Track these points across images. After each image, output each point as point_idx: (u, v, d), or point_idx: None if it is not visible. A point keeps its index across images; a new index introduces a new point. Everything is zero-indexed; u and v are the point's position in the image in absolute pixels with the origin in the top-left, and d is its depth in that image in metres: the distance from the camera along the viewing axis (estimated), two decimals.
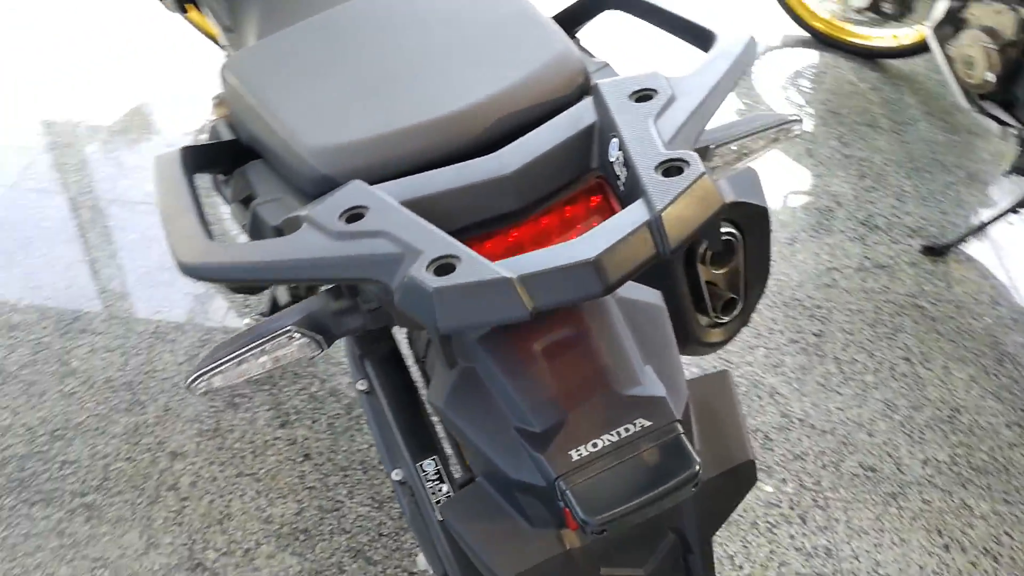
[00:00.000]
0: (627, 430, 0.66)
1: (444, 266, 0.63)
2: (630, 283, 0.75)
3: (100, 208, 2.12)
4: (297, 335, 0.74)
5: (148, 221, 2.09)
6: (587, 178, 0.73)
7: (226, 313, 1.88)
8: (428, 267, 0.63)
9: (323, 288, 0.82)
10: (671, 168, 0.65)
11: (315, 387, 1.75)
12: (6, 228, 2.05)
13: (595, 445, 0.66)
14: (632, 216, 0.63)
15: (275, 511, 1.57)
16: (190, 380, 0.73)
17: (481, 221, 0.72)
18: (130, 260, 1.99)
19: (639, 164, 0.66)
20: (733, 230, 0.88)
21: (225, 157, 0.87)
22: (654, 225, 0.62)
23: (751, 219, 0.89)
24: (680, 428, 0.67)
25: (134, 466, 1.62)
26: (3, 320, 1.85)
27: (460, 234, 0.71)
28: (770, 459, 1.63)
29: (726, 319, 0.93)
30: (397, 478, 0.97)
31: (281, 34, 0.89)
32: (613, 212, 0.71)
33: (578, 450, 0.66)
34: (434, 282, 0.61)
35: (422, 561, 1.11)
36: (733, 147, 0.80)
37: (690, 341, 0.92)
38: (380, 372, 1.00)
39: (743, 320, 0.95)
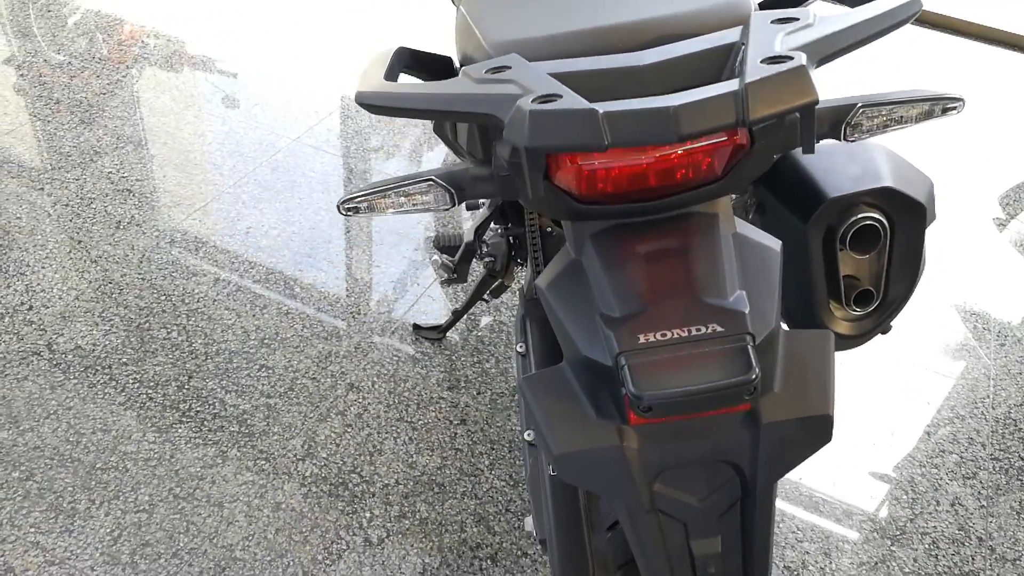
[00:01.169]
0: (698, 330, 0.67)
1: (547, 98, 0.69)
2: (751, 226, 0.75)
3: (358, 171, 2.38)
4: (434, 184, 0.82)
5: None
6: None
7: (432, 283, 2.03)
8: (535, 100, 0.70)
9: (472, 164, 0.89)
10: (776, 59, 0.68)
11: (489, 364, 1.84)
12: (280, 171, 2.37)
13: (664, 335, 0.68)
14: (724, 86, 0.67)
15: (421, 460, 1.66)
16: (341, 200, 0.84)
17: None
18: (371, 222, 2.21)
19: (750, 55, 0.69)
20: (881, 217, 0.84)
21: (435, 66, 0.99)
22: (740, 95, 0.64)
23: (904, 212, 0.85)
24: (751, 340, 0.66)
25: (316, 385, 1.79)
26: (255, 241, 2.13)
27: None
28: (932, 568, 1.47)
29: (859, 311, 0.89)
30: (528, 439, 1.01)
31: None
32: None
33: (647, 335, 0.68)
34: (533, 107, 0.68)
35: (529, 523, 1.14)
36: (883, 110, 0.77)
37: (816, 325, 0.89)
38: (537, 334, 1.06)
39: (878, 322, 0.89)
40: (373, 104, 0.79)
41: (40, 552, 1.48)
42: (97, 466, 1.61)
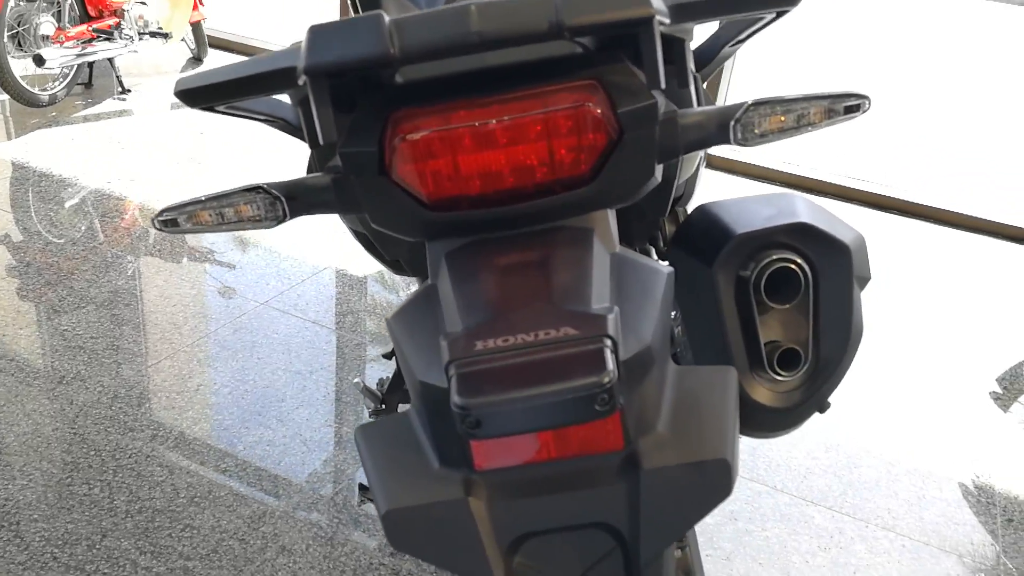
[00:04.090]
0: (547, 334, 0.54)
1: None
2: (638, 254, 0.65)
3: (323, 335, 2.31)
4: (262, 193, 0.72)
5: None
6: (580, 76, 0.66)
7: None
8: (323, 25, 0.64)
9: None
10: None
11: None
12: (242, 332, 2.30)
13: (505, 340, 0.54)
14: None
15: None
16: (157, 214, 0.73)
17: (449, 77, 0.68)
18: (334, 375, 2.11)
19: None
20: (799, 260, 0.74)
21: None
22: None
23: (826, 255, 0.74)
24: (610, 344, 0.53)
25: (243, 547, 1.61)
26: (203, 398, 2.01)
27: (430, 97, 0.68)
28: None
29: (785, 375, 0.76)
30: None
31: None
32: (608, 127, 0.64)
33: (486, 343, 0.55)
34: (314, 27, 0.61)
35: None
36: (778, 108, 0.69)
37: (741, 404, 0.75)
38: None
39: (810, 392, 0.76)
40: (188, 89, 0.71)
41: None
42: None
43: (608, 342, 0.52)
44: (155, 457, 1.82)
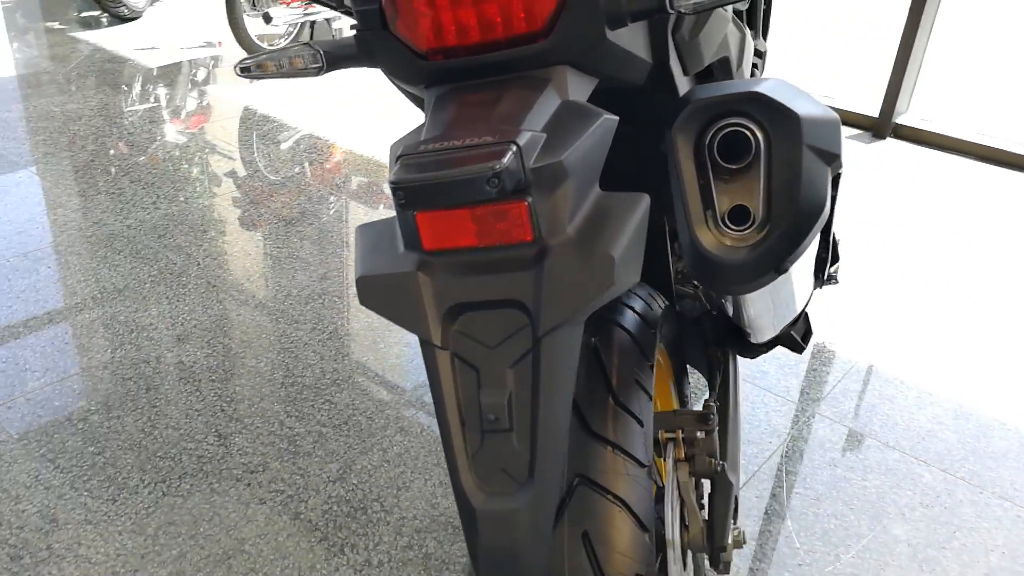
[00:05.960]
0: (473, 140, 0.67)
1: None
2: (593, 106, 0.75)
3: None
4: (309, 48, 0.90)
5: None
6: None
7: None
8: None
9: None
10: None
11: None
12: None
13: (442, 144, 0.68)
14: None
15: (444, 503, 1.65)
16: (239, 62, 0.93)
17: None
18: None
19: None
20: (752, 126, 0.80)
21: None
22: None
23: (778, 124, 0.79)
24: (512, 147, 0.65)
25: (369, 423, 1.86)
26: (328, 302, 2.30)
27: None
28: None
29: (734, 230, 0.82)
30: None
31: None
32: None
33: (428, 145, 0.70)
34: None
35: None
36: None
37: (693, 241, 0.83)
38: None
39: (760, 251, 0.81)
40: None
41: (84, 511, 1.62)
42: (158, 455, 1.76)
43: (513, 147, 0.66)
44: (311, 345, 2.12)
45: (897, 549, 1.64)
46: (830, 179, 0.84)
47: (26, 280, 2.36)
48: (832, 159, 0.83)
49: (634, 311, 1.01)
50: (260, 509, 1.64)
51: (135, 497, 1.65)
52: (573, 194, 0.70)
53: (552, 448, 0.71)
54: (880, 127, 3.77)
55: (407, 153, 0.69)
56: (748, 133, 0.81)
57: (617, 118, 0.76)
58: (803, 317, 1.34)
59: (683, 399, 1.30)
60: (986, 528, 1.70)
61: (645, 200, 0.73)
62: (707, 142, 0.83)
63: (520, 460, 0.71)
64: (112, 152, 3.23)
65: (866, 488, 1.79)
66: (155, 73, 4.19)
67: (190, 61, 4.41)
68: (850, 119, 3.89)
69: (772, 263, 0.83)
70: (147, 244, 2.58)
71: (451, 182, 0.65)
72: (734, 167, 0.82)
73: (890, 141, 3.75)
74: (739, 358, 2.31)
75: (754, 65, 1.75)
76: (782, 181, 0.81)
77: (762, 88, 0.81)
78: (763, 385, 2.09)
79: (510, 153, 0.65)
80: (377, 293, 0.74)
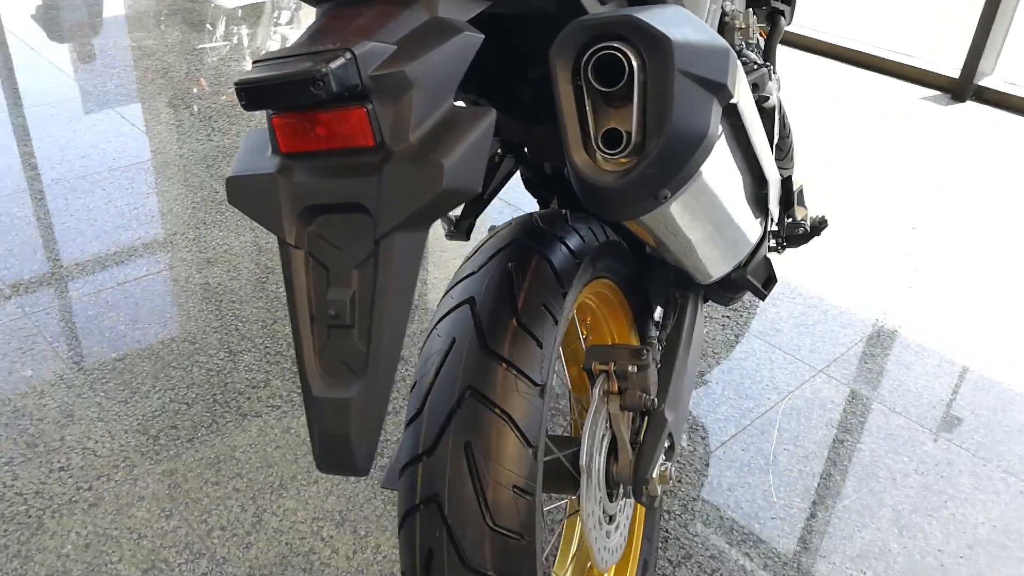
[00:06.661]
0: (319, 47, 0.69)
1: None
2: (464, 23, 0.75)
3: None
4: None
5: None
6: None
7: None
8: None
9: None
10: None
11: None
12: None
13: (295, 51, 0.71)
14: None
15: None
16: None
17: None
18: None
19: None
20: (626, 49, 0.78)
21: None
22: None
23: (651, 49, 0.78)
24: (347, 55, 0.68)
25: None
26: None
27: None
28: None
29: (609, 153, 0.82)
30: None
31: None
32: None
33: (282, 51, 0.73)
34: None
35: None
36: None
37: (570, 166, 0.83)
38: None
39: (633, 175, 0.80)
40: None
41: (98, 410, 1.75)
42: (172, 364, 1.88)
43: (347, 55, 0.68)
44: None
45: (880, 513, 1.60)
46: (716, 109, 0.82)
47: (81, 200, 2.53)
48: (718, 88, 0.81)
49: (562, 241, 1.02)
50: (255, 421, 1.73)
51: (145, 401, 1.77)
52: (420, 104, 0.72)
53: (387, 346, 0.74)
54: (961, 89, 3.57)
55: (259, 59, 0.73)
56: (622, 56, 0.80)
57: (482, 36, 0.77)
58: (765, 263, 1.31)
59: (643, 336, 1.30)
60: (981, 501, 1.64)
61: (491, 114, 0.74)
62: (583, 64, 0.83)
63: (358, 355, 0.75)
64: (180, 87, 3.38)
65: (860, 450, 1.75)
66: (239, 14, 4.33)
67: (273, 1, 4.53)
68: (926, 79, 3.69)
69: (648, 190, 0.83)
70: (195, 173, 2.71)
71: (280, 84, 0.68)
72: (608, 91, 0.82)
73: (970, 104, 3.55)
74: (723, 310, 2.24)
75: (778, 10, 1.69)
76: (655, 107, 0.80)
77: (638, 12, 0.80)
78: (774, 342, 2.05)
79: (341, 59, 0.68)
80: (242, 193, 0.78)
